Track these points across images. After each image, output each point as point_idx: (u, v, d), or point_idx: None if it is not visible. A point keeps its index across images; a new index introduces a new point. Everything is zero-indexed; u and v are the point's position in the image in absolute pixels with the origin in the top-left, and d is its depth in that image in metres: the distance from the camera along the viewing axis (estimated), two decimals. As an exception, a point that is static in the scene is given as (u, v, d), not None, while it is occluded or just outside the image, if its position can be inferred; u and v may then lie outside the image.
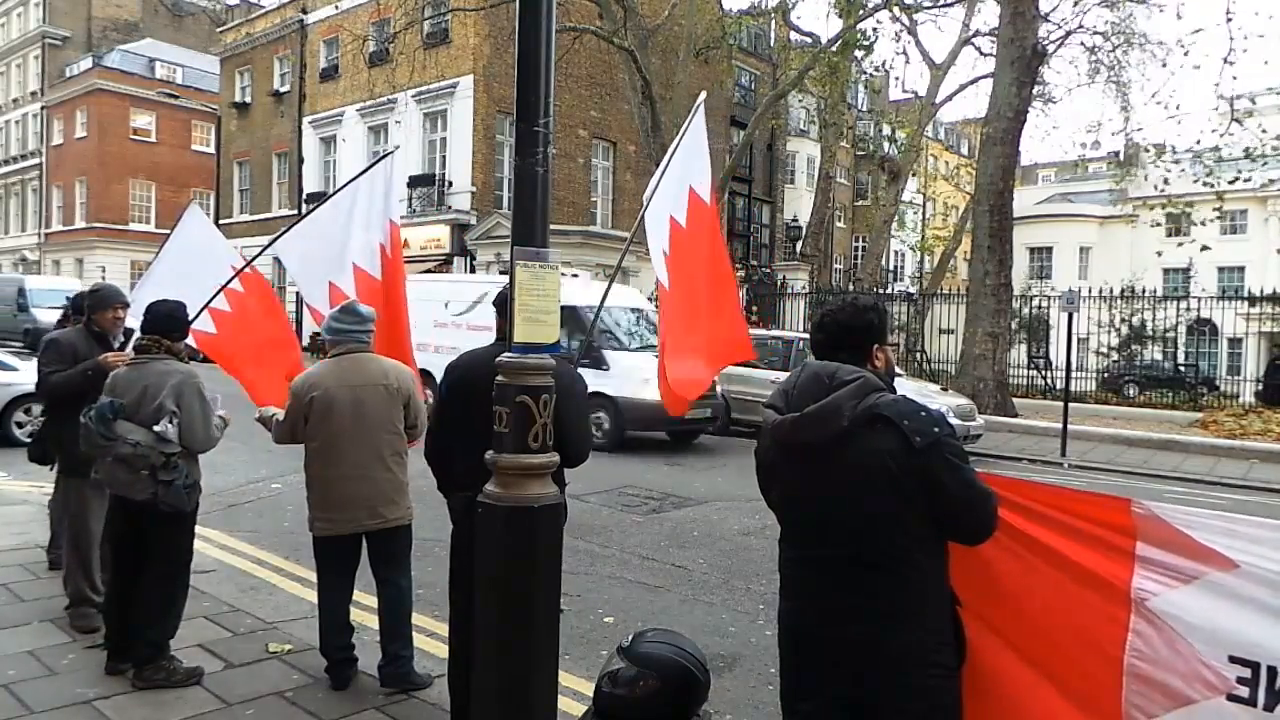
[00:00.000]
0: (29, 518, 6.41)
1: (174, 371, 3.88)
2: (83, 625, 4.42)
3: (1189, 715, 2.08)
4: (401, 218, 28.96)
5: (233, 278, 4.91)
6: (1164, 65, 32.05)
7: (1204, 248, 20.71)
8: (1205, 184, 16.47)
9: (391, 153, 5.25)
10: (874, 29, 19.65)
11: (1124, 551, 2.19)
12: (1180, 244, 22.97)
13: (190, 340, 4.38)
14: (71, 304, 5.63)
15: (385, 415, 3.84)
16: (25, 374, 9.88)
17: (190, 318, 4.31)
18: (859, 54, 19.35)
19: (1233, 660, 2.04)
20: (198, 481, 3.91)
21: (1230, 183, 16.15)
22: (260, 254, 5.22)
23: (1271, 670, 1.99)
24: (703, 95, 4.72)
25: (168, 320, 4.00)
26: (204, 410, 3.90)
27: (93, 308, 4.70)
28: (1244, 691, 2.02)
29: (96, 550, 4.56)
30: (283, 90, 31.43)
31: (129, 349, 4.27)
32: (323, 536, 3.88)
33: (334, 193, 5.10)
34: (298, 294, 8.56)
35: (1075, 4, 20.07)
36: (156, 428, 3.71)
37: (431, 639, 4.68)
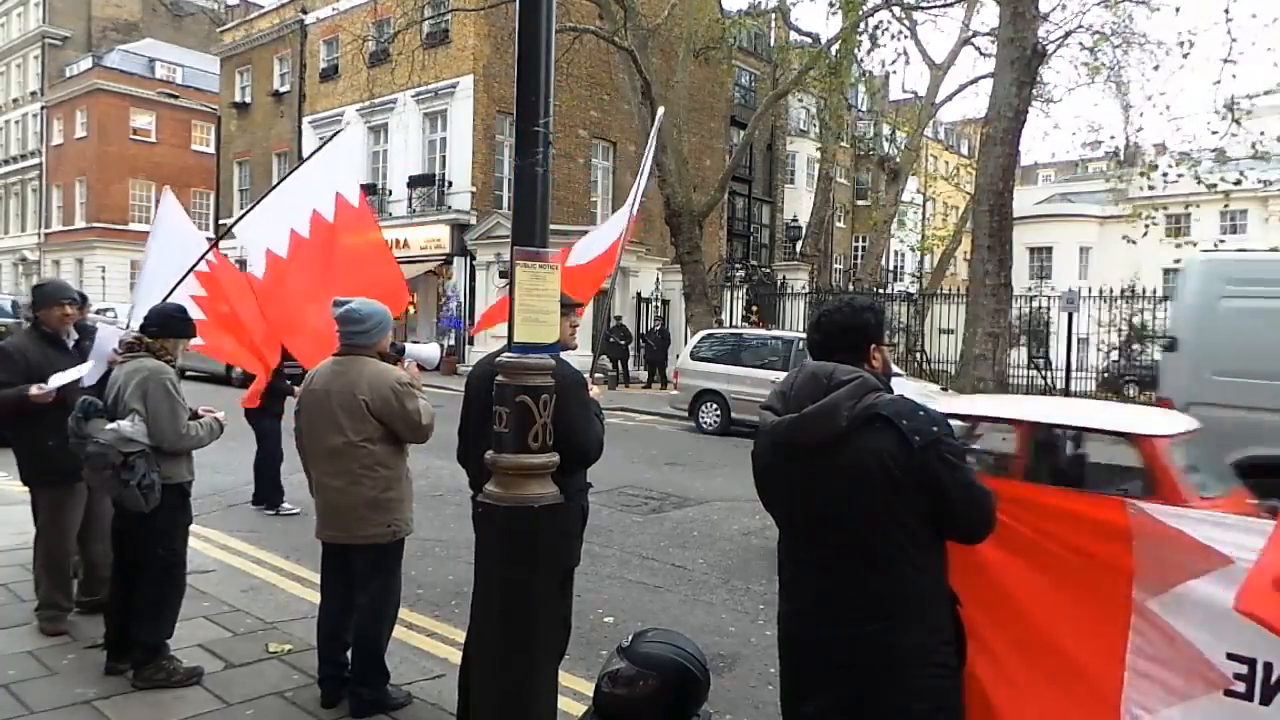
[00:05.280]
0: (29, 518, 6.38)
1: (142, 369, 3.81)
2: (50, 629, 4.37)
3: (1187, 710, 2.09)
4: (401, 218, 28.74)
5: (199, 260, 4.74)
6: (1156, 69, 31.92)
7: (1205, 250, 20.64)
8: (1211, 184, 16.42)
9: (340, 131, 5.20)
10: (875, 27, 19.60)
11: (1120, 550, 2.19)
12: (1179, 245, 22.97)
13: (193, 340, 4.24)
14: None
15: (350, 427, 3.55)
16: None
17: (174, 306, 4.18)
18: (864, 48, 19.30)
19: (1230, 657, 2.04)
20: (156, 482, 3.66)
21: (1235, 183, 16.13)
22: (222, 236, 5.12)
23: (1268, 665, 2.00)
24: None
25: (158, 318, 3.97)
26: (172, 407, 3.78)
27: (36, 305, 4.38)
28: (1240, 687, 2.02)
29: (71, 557, 4.53)
30: (283, 90, 31.42)
31: (112, 347, 4.20)
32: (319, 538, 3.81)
33: (286, 175, 5.10)
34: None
35: (1072, 5, 20.09)
36: (110, 425, 3.65)
37: (431, 639, 4.69)
